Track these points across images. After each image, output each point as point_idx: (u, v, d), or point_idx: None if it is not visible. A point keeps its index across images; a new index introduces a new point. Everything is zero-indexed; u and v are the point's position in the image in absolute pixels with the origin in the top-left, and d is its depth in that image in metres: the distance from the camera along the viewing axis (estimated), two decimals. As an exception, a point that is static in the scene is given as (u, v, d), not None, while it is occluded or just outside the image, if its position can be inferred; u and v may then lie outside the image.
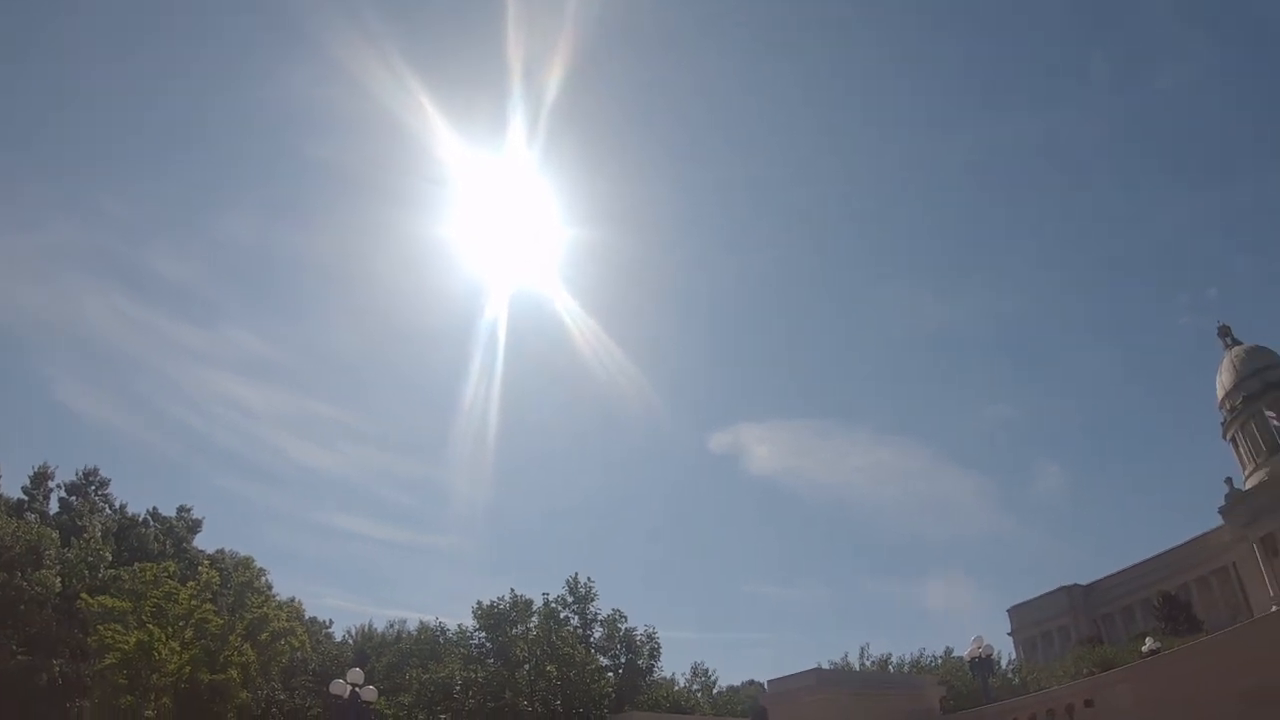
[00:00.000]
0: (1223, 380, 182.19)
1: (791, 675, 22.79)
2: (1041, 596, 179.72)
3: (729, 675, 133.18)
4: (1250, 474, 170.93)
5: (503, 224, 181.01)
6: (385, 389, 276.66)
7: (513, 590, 51.83)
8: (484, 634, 53.74)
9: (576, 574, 52.99)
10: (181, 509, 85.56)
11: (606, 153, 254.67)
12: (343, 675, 42.24)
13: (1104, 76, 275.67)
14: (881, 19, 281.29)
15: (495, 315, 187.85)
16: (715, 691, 68.35)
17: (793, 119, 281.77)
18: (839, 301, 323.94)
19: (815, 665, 68.49)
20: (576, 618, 52.93)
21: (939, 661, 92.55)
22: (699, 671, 69.32)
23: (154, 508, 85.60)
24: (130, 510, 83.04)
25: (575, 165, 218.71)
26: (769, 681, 27.86)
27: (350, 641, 77.15)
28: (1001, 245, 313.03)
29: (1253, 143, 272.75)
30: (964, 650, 49.45)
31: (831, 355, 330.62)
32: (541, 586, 49.13)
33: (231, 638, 55.58)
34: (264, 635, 57.80)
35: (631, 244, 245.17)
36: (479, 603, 52.17)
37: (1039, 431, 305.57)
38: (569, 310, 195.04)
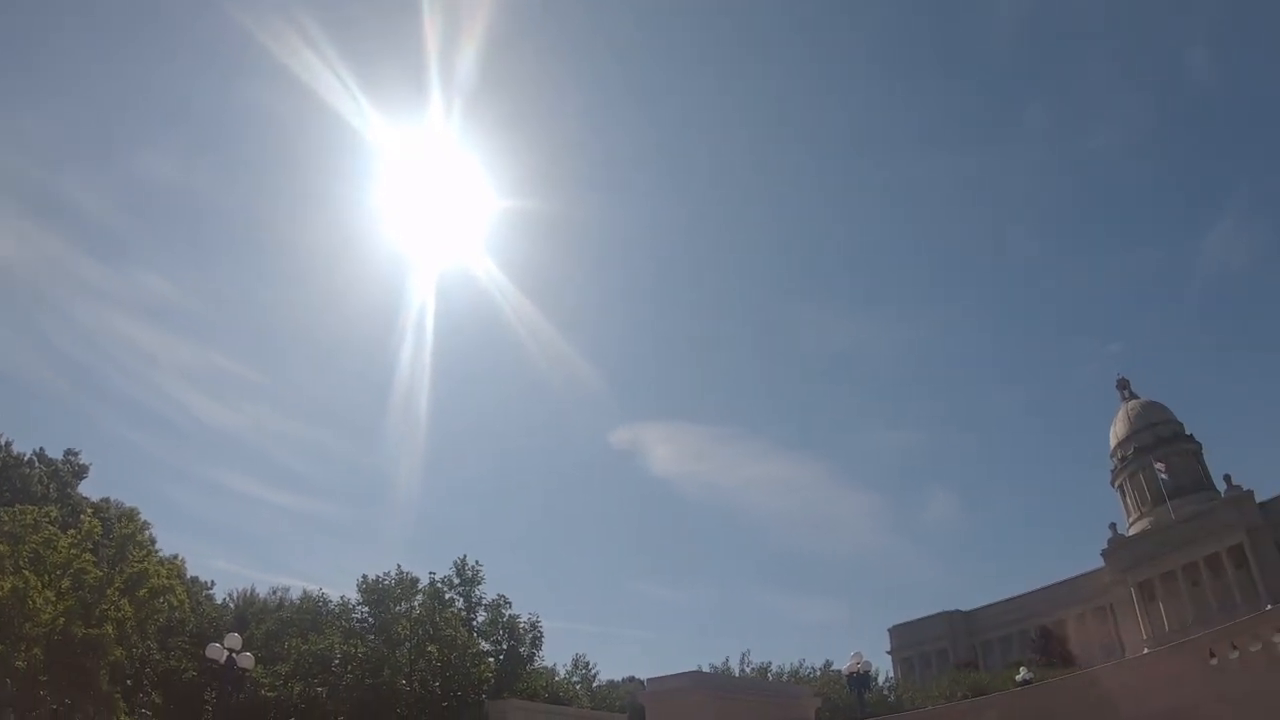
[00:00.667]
0: (1117, 430, 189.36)
1: (670, 675, 22.81)
2: (923, 619, 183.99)
3: (610, 670, 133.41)
4: (1134, 521, 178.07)
5: (425, 195, 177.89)
6: (295, 352, 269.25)
7: (399, 567, 51.02)
8: (367, 609, 52.82)
9: (464, 556, 52.31)
10: (69, 452, 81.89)
11: (527, 125, 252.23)
12: (221, 639, 41.17)
13: (1040, 127, 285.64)
14: (820, 40, 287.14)
15: (418, 287, 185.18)
16: (595, 685, 68.11)
17: (724, 127, 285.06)
18: (753, 311, 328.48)
19: (696, 667, 69.42)
20: (461, 600, 52.17)
21: (817, 674, 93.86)
22: (580, 664, 69.23)
23: (40, 449, 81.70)
24: (15, 449, 79.73)
25: (496, 137, 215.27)
26: (648, 680, 27.96)
27: (231, 605, 75.18)
28: (919, 276, 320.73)
29: (1172, 210, 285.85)
30: (843, 664, 50.18)
31: (740, 363, 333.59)
32: (429, 565, 48.59)
33: (109, 591, 53.10)
34: (142, 591, 55.52)
35: (554, 215, 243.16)
36: (364, 577, 51.22)
37: (936, 459, 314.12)
38: (495, 283, 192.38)
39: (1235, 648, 21.98)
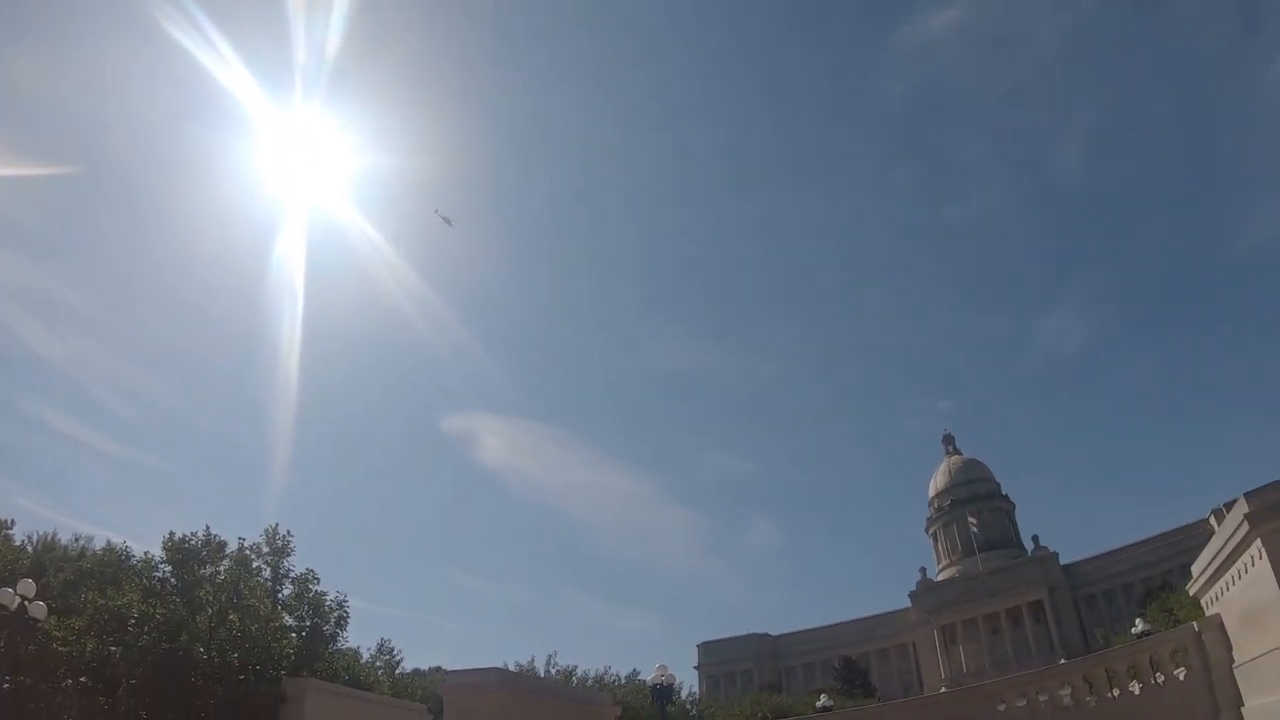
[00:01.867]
0: (937, 482, 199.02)
1: (473, 669, 22.61)
2: (732, 639, 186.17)
3: (416, 658, 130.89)
4: (943, 569, 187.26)
5: (292, 148, 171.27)
6: (141, 291, 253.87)
7: (208, 528, 48.84)
8: (170, 568, 50.75)
9: (276, 525, 50.50)
10: None
11: (396, 83, 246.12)
12: (14, 584, 38.76)
13: (907, 186, 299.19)
14: (711, 68, 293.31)
15: (283, 245, 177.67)
16: (399, 672, 66.84)
17: (599, 126, 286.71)
18: (605, 320, 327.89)
19: (502, 664, 69.02)
20: (269, 570, 50.40)
21: (622, 682, 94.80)
22: (385, 649, 67.72)
23: None
24: None
25: (365, 94, 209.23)
26: (449, 672, 27.53)
27: (29, 549, 70.79)
28: (772, 311, 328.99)
29: (1019, 286, 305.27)
30: (649, 675, 50.84)
31: (584, 369, 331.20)
32: (240, 530, 46.93)
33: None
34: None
35: (424, 182, 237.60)
36: (171, 534, 48.87)
37: (761, 487, 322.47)
38: (368, 241, 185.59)
39: (1024, 697, 23.10)
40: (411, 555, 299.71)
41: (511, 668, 76.78)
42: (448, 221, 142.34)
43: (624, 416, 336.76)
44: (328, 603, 48.43)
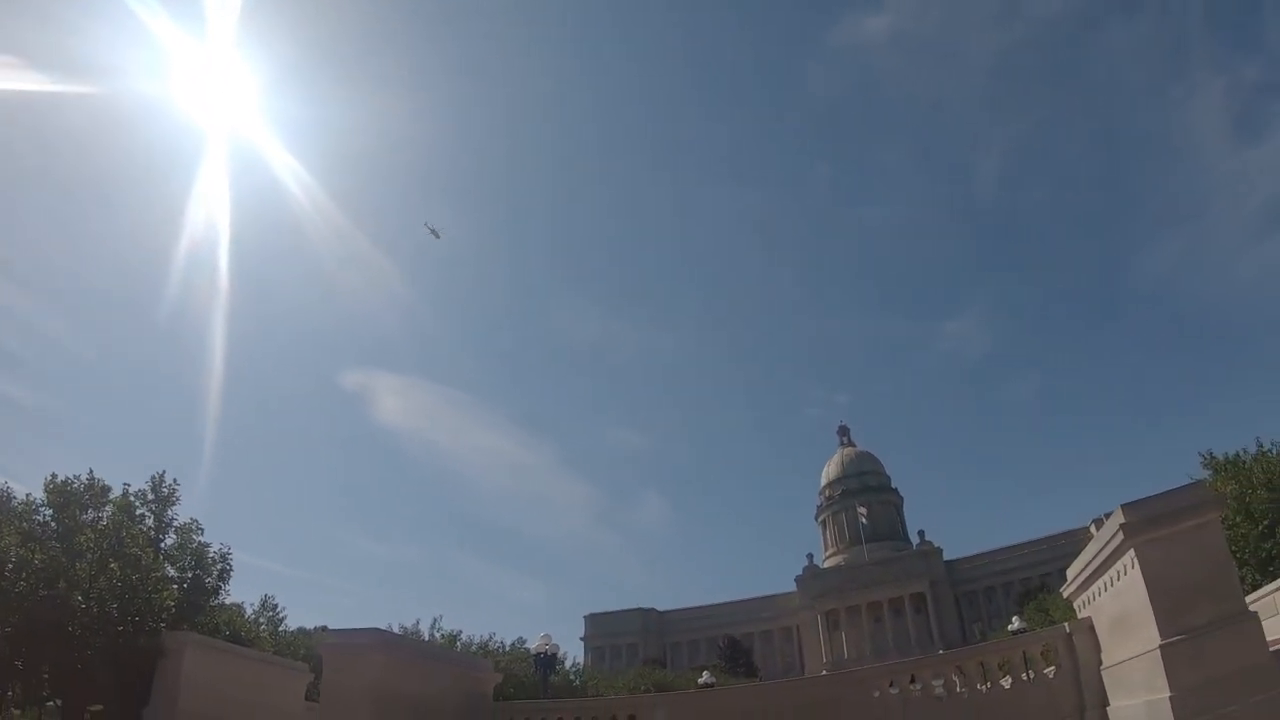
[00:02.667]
0: (829, 471, 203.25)
1: (353, 630, 22.29)
2: (619, 612, 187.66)
3: (302, 617, 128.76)
4: (830, 556, 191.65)
5: (210, 79, 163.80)
6: (38, 222, 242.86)
7: (92, 471, 47.13)
8: (51, 512, 49.03)
9: (163, 472, 48.84)
10: None
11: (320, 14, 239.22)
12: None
13: (825, 184, 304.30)
14: (642, 50, 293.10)
15: (201, 187, 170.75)
16: (281, 629, 65.42)
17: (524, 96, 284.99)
18: (515, 286, 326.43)
19: (386, 625, 68.01)
20: (153, 518, 48.84)
21: (506, 649, 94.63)
22: (268, 605, 66.21)
23: None
24: None
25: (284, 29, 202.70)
26: (330, 631, 27.18)
27: (-98, 486, 67.64)
28: (683, 290, 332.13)
29: (927, 291, 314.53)
30: (533, 643, 50.93)
31: (489, 333, 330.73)
32: (125, 475, 45.30)
33: None
34: None
35: (351, 128, 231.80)
36: (53, 476, 47.15)
37: (657, 463, 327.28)
38: (292, 175, 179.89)
39: (898, 685, 23.75)
40: (301, 511, 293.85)
41: (396, 630, 75.88)
42: (435, 234, 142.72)
43: (527, 384, 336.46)
44: (211, 555, 47.01)
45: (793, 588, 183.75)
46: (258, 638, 52.93)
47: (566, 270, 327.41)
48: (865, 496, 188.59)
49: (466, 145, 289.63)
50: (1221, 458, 46.61)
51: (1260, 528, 40.03)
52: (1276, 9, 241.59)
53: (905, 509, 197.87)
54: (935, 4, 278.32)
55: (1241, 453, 46.25)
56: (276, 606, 66.09)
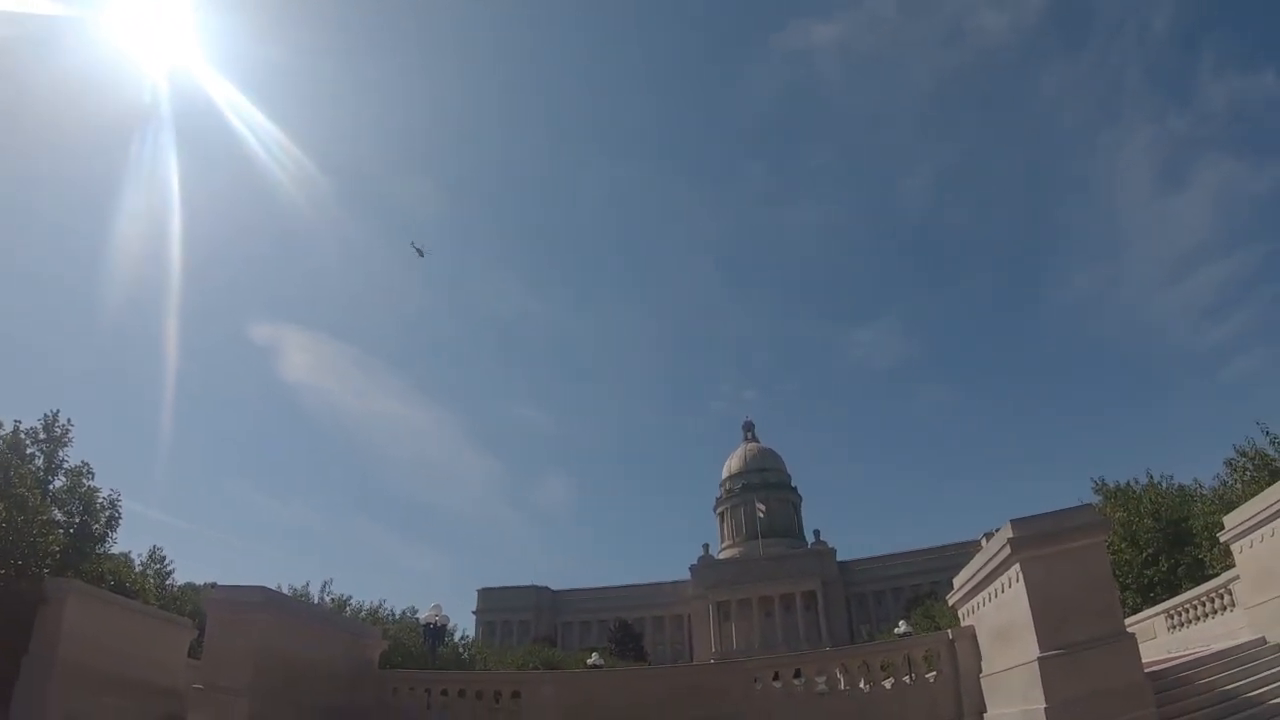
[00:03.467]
0: (731, 465, 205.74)
1: (240, 586, 21.81)
2: (513, 588, 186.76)
3: (192, 572, 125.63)
4: (726, 548, 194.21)
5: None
6: None
7: (-17, 407, 45.44)
8: (-63, 446, 47.06)
9: (57, 411, 46.90)
10: None
11: None
12: None
13: (758, 181, 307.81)
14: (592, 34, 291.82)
15: (115, 110, 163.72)
16: (169, 583, 63.31)
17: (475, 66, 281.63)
18: (442, 255, 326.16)
19: (277, 585, 67.22)
20: (43, 458, 46.98)
21: (396, 617, 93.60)
22: (156, 557, 63.86)
23: None
24: None
25: None
26: (215, 586, 26.64)
27: None
28: (607, 275, 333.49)
29: (843, 298, 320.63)
30: (424, 613, 50.58)
31: (408, 299, 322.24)
32: (18, 413, 43.18)
33: None
34: None
35: (291, 69, 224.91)
36: (-60, 409, 45.44)
37: (563, 444, 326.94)
38: (236, 118, 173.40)
39: (777, 678, 24.14)
40: (198, 463, 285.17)
41: (285, 591, 74.50)
42: (420, 253, 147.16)
43: (438, 351, 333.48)
44: (100, 501, 45.30)
45: (687, 576, 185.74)
46: (144, 590, 51.05)
47: (489, 243, 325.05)
48: (765, 492, 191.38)
49: (406, 113, 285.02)
50: (1113, 485, 48.52)
51: (1144, 555, 41.71)
52: (1211, 71, 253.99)
53: (803, 508, 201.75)
54: (885, 21, 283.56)
55: (1133, 482, 48.23)
56: (165, 559, 63.89)
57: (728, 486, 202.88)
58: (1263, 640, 21.62)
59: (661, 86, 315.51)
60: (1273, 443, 36.14)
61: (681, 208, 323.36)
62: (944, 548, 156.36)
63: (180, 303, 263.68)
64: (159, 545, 66.70)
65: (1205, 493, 44.08)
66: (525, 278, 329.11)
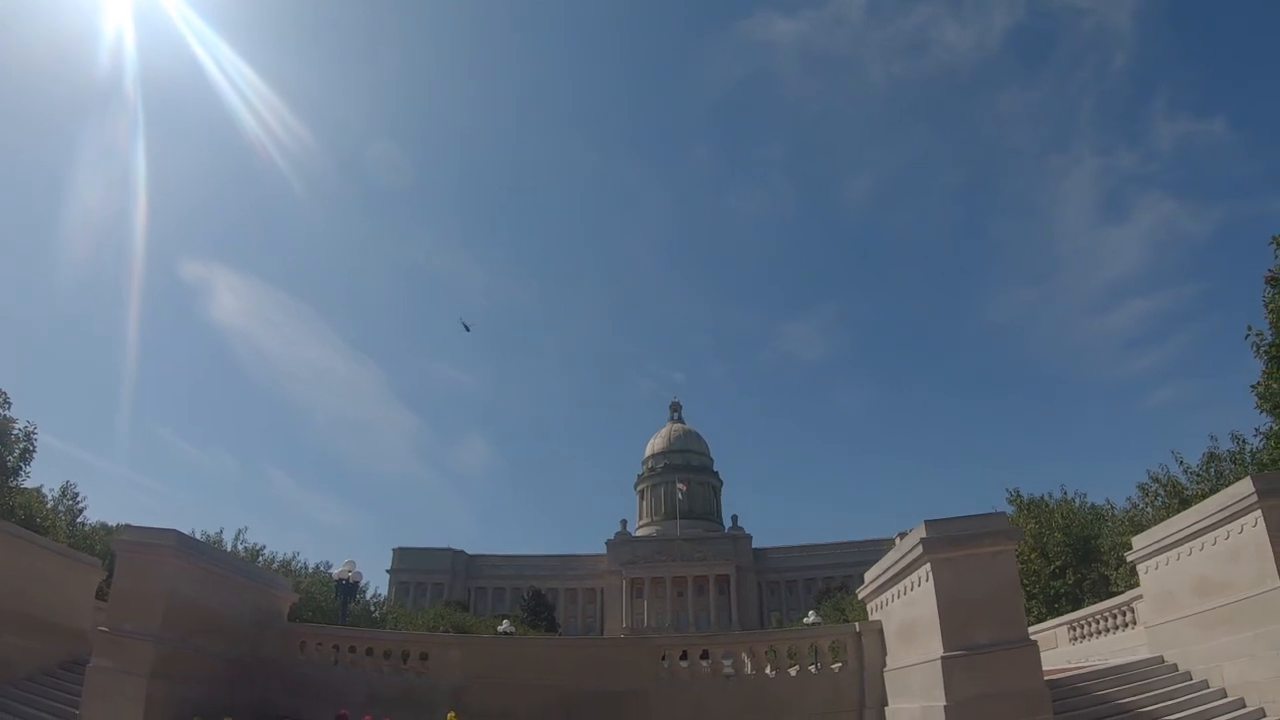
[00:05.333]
0: (655, 444, 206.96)
1: (150, 528, 21.50)
2: (429, 549, 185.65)
3: (106, 512, 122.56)
4: (644, 526, 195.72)
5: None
6: None
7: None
8: None
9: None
10: None
11: None
12: None
13: (700, 166, 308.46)
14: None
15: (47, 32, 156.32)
16: (81, 521, 61.27)
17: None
18: (374, 202, 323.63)
19: (190, 530, 65.99)
20: (-42, 388, 45.42)
21: (309, 571, 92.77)
22: (70, 493, 61.70)
23: None
24: None
25: None
26: (127, 527, 26.13)
27: None
28: (548, 245, 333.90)
29: (777, 290, 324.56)
30: (338, 569, 50.21)
31: (345, 248, 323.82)
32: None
33: None
34: None
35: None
36: None
37: (488, 408, 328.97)
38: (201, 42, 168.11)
39: (685, 658, 24.42)
40: (119, 401, 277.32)
41: (199, 537, 73.21)
42: (466, 328, 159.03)
43: (368, 305, 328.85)
44: (15, 432, 43.77)
45: (603, 550, 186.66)
46: (54, 527, 49.51)
47: (428, 201, 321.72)
48: (687, 474, 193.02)
49: (374, 71, 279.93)
50: (1027, 497, 49.87)
51: (1052, 567, 43.07)
52: (1164, 113, 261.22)
53: (723, 493, 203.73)
54: (849, 24, 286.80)
55: (1047, 496, 49.57)
56: (78, 496, 62.19)
57: (650, 465, 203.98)
58: (1160, 659, 22.52)
59: (620, 61, 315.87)
60: (1186, 472, 37.20)
61: (628, 184, 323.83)
62: (858, 543, 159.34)
63: (113, 233, 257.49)
64: (73, 481, 64.88)
65: (1116, 513, 45.62)
66: (467, 240, 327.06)
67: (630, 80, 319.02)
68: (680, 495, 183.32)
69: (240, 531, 74.01)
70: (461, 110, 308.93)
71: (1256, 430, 31.35)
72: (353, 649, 24.64)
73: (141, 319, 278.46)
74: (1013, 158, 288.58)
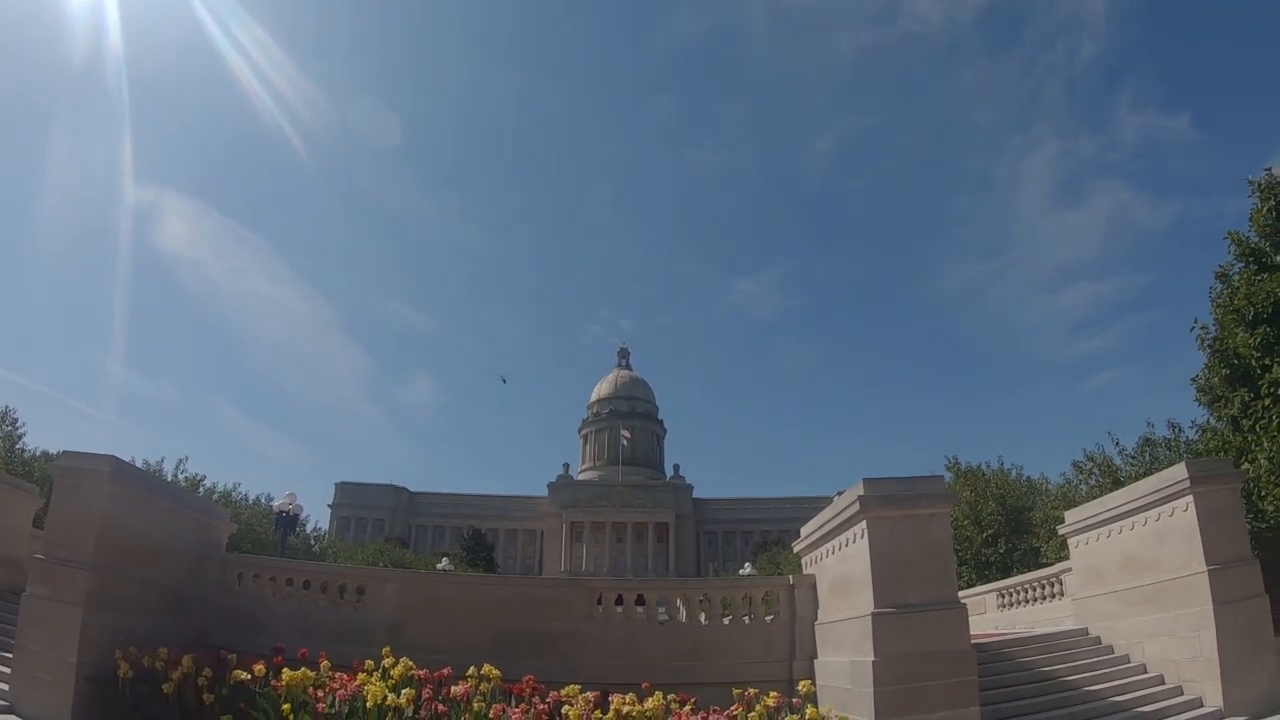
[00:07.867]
0: (601, 389, 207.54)
1: (87, 454, 21.18)
2: (371, 485, 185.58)
3: (46, 439, 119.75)
4: (586, 470, 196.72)
5: None
6: None
7: None
8: None
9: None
10: None
11: None
12: None
13: (666, 116, 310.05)
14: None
15: None
16: (19, 447, 59.60)
17: None
18: (331, 132, 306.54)
19: (131, 459, 64.84)
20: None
21: (249, 503, 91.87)
22: (8, 419, 59.82)
23: None
24: None
25: None
26: (63, 453, 25.93)
27: None
28: (502, 183, 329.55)
29: (731, 246, 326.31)
30: (279, 501, 49.96)
31: (303, 178, 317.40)
32: None
33: None
34: None
35: None
36: None
37: (434, 347, 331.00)
38: None
39: (620, 602, 24.78)
40: (59, 326, 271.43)
41: (140, 465, 72.11)
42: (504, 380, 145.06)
43: (322, 241, 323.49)
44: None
45: (545, 493, 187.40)
46: (-12, 452, 48.56)
47: (386, 136, 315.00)
48: (631, 421, 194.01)
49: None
50: (965, 466, 50.88)
51: (985, 535, 44.15)
52: (1130, 104, 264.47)
53: (666, 442, 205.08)
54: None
55: (984, 466, 50.65)
56: (17, 421, 60.54)
57: (595, 410, 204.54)
58: (1085, 631, 23.38)
59: (586, 4, 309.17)
60: (1121, 454, 38.13)
61: (585, 129, 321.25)
62: (797, 499, 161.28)
63: (60, 156, 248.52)
64: (12, 407, 63.14)
65: (1050, 489, 46.64)
66: (417, 177, 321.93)
67: (593, 23, 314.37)
68: (625, 441, 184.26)
69: (181, 461, 72.87)
70: (420, 50, 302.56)
71: (1193, 422, 32.31)
72: (290, 581, 24.58)
73: (87, 243, 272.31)
74: (975, 132, 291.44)
